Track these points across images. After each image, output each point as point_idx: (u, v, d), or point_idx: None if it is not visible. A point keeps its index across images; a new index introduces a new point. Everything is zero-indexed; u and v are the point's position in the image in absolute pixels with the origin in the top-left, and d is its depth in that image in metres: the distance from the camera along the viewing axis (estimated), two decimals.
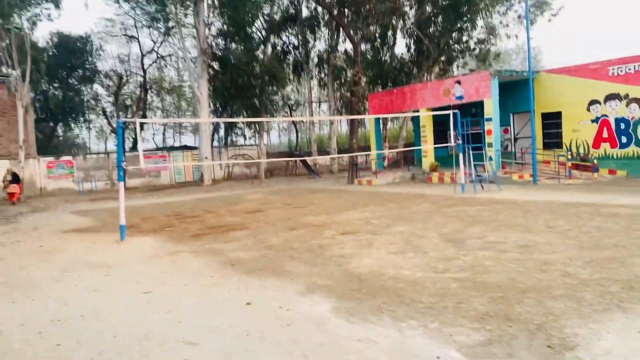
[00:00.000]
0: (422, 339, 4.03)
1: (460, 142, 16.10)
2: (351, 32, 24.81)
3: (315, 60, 36.26)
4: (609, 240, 7.23)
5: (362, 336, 4.16)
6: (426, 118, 22.21)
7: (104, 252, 8.86)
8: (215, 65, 32.24)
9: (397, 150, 27.22)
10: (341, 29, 28.97)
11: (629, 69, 17.19)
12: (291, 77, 36.34)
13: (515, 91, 20.57)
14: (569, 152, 18.79)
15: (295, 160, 32.88)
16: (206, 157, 27.92)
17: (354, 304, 5.01)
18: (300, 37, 34.45)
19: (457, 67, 37.32)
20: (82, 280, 6.84)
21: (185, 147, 36.38)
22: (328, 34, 34.06)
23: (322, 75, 36.19)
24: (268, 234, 9.68)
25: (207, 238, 9.70)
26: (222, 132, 41.46)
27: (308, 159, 30.76)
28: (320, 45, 36.39)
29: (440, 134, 23.76)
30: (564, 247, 6.99)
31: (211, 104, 34.03)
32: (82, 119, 44.58)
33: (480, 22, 31.54)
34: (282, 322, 4.64)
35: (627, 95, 17.34)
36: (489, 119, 19.00)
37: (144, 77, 39.35)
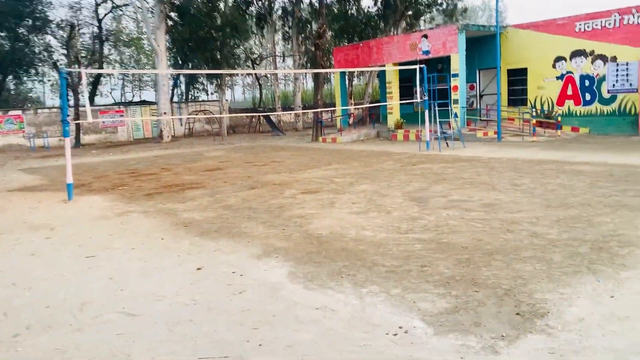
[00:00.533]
0: (384, 306, 3.73)
1: (426, 98, 15.78)
2: None
3: (280, 12, 34.95)
4: (575, 198, 7.09)
5: (319, 304, 3.84)
6: (392, 74, 21.74)
7: (48, 213, 8.26)
8: (174, 16, 30.67)
9: (362, 106, 26.75)
10: None
11: (596, 25, 17.01)
12: (254, 29, 35.01)
13: (482, 47, 20.25)
14: (534, 109, 18.75)
15: (259, 117, 32.06)
16: (165, 113, 26.86)
17: (313, 268, 4.68)
18: None
19: (424, 22, 36.66)
20: (19, 244, 6.29)
21: (144, 102, 34.95)
22: None
23: (287, 28, 34.99)
24: (226, 193, 9.23)
25: (161, 197, 9.18)
26: (183, 87, 39.84)
27: (272, 115, 29.99)
28: None
29: (406, 90, 23.39)
30: (530, 205, 6.81)
31: (171, 58, 32.53)
32: (33, 71, 42.21)
33: None
34: (234, 289, 4.28)
35: (592, 52, 17.24)
36: (455, 75, 18.68)
37: (100, 27, 37.21)
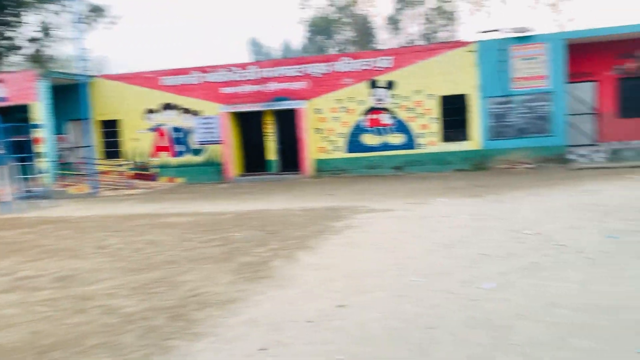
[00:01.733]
0: None
1: (3, 151, 13.44)
2: None
3: None
4: (161, 256, 6.72)
5: None
6: None
7: None
8: None
9: None
10: None
11: (180, 81, 18.06)
12: None
13: (73, 97, 18.75)
14: (130, 162, 18.43)
15: None
16: None
17: None
18: None
19: (9, 66, 32.46)
20: None
21: None
22: None
23: None
24: None
25: None
26: None
27: None
28: None
29: None
30: (111, 272, 6.04)
31: None
32: None
33: (31, 19, 28.06)
34: None
35: (180, 106, 18.17)
36: (38, 126, 16.66)
37: None
